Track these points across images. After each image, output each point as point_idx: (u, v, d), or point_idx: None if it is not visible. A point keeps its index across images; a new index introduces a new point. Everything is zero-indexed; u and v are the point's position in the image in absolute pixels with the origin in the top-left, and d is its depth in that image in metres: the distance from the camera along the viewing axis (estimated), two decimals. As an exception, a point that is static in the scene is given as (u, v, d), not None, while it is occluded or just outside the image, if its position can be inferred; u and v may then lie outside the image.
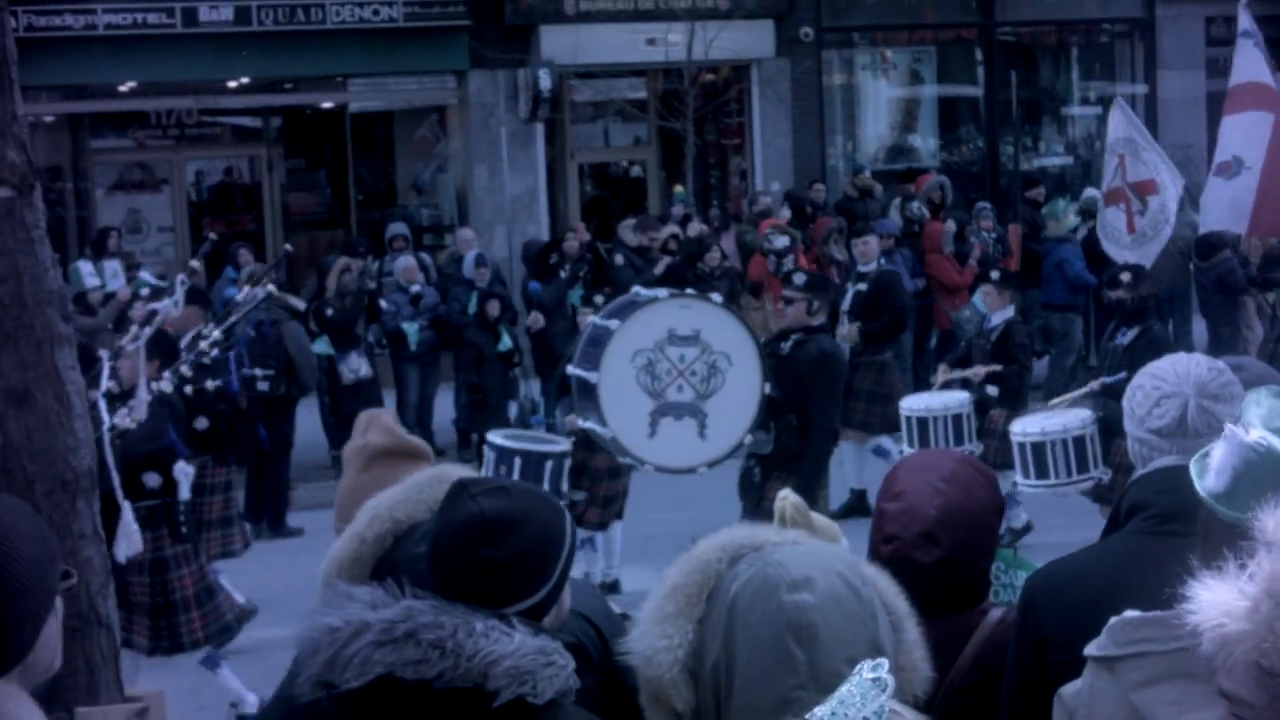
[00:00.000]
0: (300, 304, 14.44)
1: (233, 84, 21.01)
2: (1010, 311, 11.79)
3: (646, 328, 9.06)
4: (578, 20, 20.35)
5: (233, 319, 10.40)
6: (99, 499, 5.62)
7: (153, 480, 8.86)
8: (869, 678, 2.01)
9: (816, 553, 2.62)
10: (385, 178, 23.38)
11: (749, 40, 20.86)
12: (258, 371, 12.89)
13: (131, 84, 20.27)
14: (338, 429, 15.62)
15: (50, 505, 5.27)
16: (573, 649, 2.78)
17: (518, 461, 10.03)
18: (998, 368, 11.39)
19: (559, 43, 20.18)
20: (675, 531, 9.71)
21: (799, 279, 9.91)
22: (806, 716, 2.00)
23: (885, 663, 2.06)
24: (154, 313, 9.27)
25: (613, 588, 11.15)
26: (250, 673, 9.29)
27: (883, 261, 13.82)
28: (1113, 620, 2.64)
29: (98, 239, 17.75)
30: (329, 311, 15.41)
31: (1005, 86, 23.28)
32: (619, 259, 17.10)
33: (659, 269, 16.47)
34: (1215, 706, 2.41)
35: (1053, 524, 11.10)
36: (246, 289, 13.06)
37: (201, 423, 9.85)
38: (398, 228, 18.59)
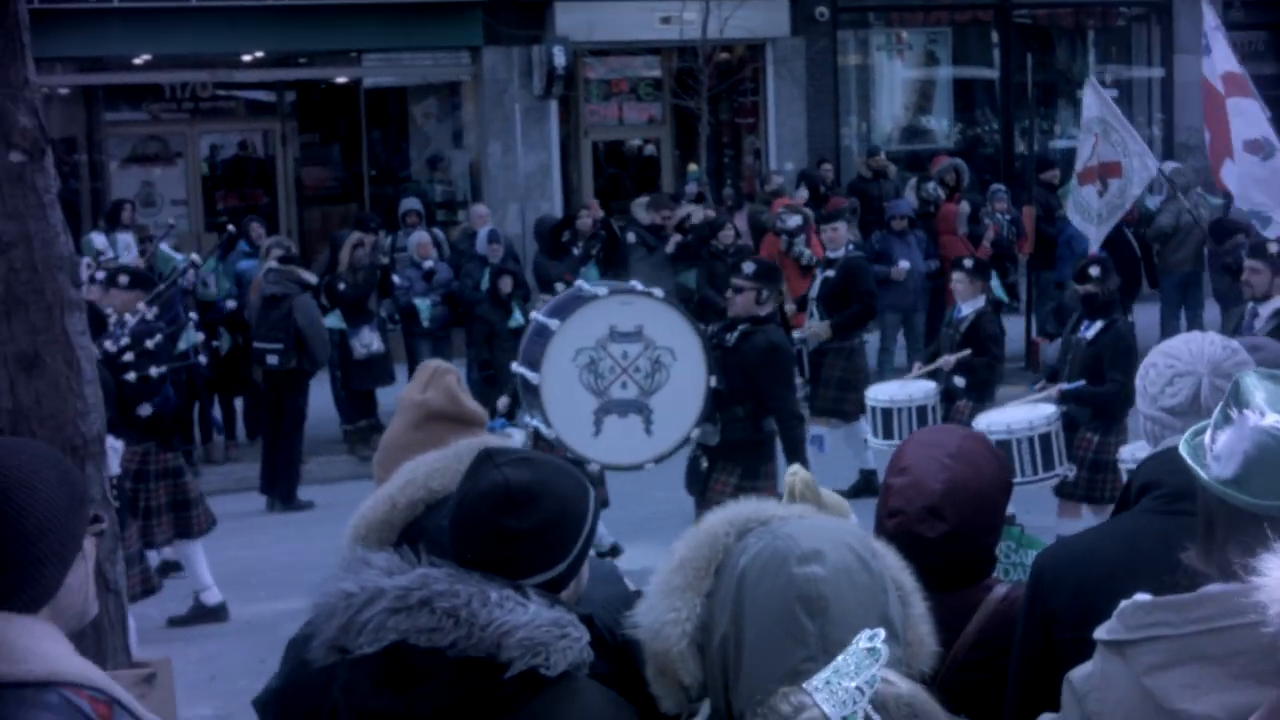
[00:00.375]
0: (312, 278, 14.44)
1: (247, 58, 21.01)
2: (981, 301, 11.59)
3: (588, 325, 9.00)
4: (593, -3, 20.34)
5: (162, 298, 10.52)
6: (106, 465, 5.64)
7: None
8: (864, 647, 2.01)
9: (825, 526, 2.62)
10: (399, 153, 23.37)
11: (764, 19, 20.80)
12: (201, 358, 13.02)
13: (146, 57, 20.26)
14: (349, 404, 15.66)
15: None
16: (587, 621, 2.78)
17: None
18: (968, 352, 11.23)
19: (574, 20, 20.15)
20: (683, 510, 9.75)
21: (747, 268, 9.68)
22: (805, 685, 2.01)
23: (881, 632, 2.07)
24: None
25: (614, 551, 11.27)
26: (259, 644, 9.32)
27: (850, 248, 13.60)
28: (1123, 604, 2.63)
29: (111, 211, 17.74)
30: (341, 286, 15.42)
31: (1021, 69, 23.20)
32: (631, 237, 17.09)
33: (670, 247, 16.46)
34: (1232, 690, 2.41)
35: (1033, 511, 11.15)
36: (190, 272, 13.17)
37: (145, 409, 9.85)
38: (410, 203, 18.60)
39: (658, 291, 9.48)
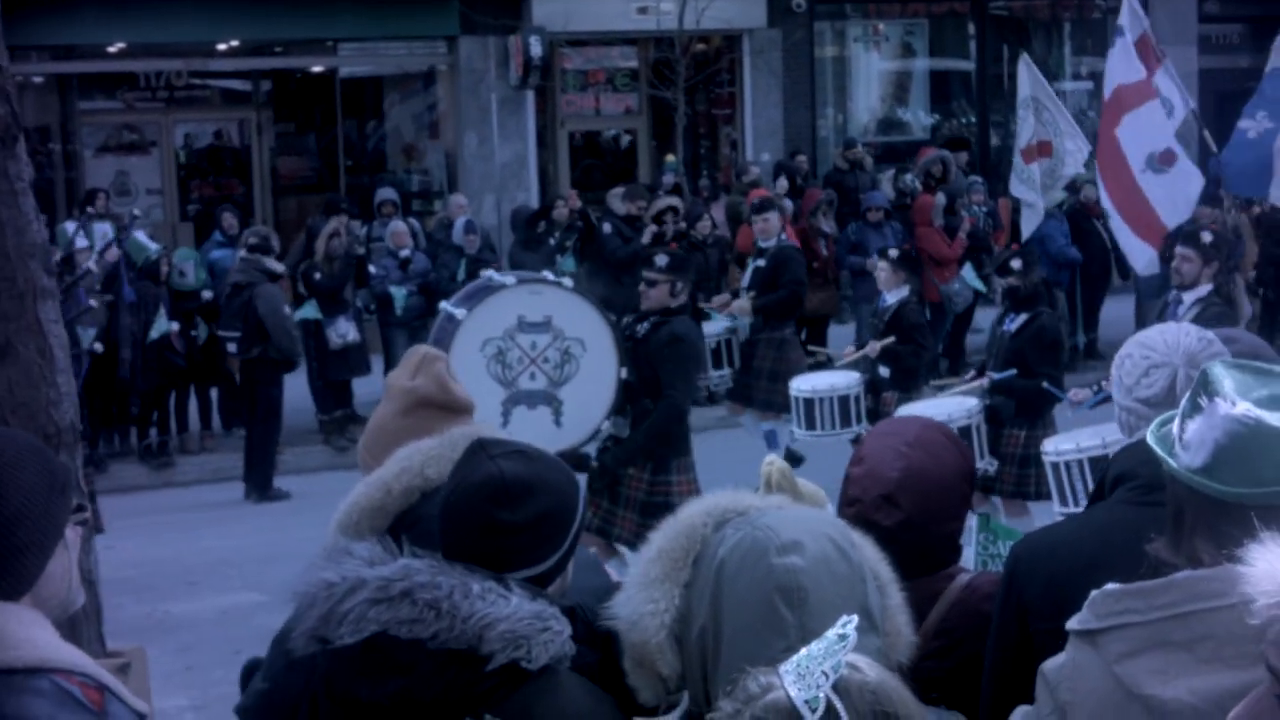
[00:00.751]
0: (278, 267, 14.38)
1: (222, 47, 20.92)
2: (904, 291, 11.40)
3: (495, 315, 8.89)
4: (570, -13, 20.31)
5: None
6: (81, 454, 5.62)
7: None
8: (836, 633, 2.02)
9: (804, 516, 2.62)
10: (375, 143, 23.31)
11: (740, 10, 20.81)
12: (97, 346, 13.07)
13: (121, 45, 20.17)
14: (325, 394, 15.63)
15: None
16: (569, 613, 2.77)
17: None
18: (892, 340, 11.07)
19: (550, 10, 20.12)
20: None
21: (660, 260, 9.47)
22: (777, 667, 2.03)
23: (855, 619, 2.08)
24: None
25: None
26: (234, 634, 9.31)
27: (783, 238, 13.34)
28: (1093, 593, 2.64)
29: (85, 200, 17.69)
30: (317, 276, 15.39)
31: (997, 61, 23.27)
32: (607, 227, 17.09)
33: (646, 238, 16.45)
34: (1200, 674, 2.43)
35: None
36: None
37: None
38: (386, 193, 18.54)
39: (567, 281, 9.39)
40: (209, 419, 15.76)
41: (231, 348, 14.12)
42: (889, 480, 3.53)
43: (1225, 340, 3.35)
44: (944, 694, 3.30)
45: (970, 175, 19.54)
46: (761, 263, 12.94)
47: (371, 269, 16.42)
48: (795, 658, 2.03)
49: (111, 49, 20.29)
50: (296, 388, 15.28)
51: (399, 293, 16.23)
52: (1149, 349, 3.25)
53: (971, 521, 7.35)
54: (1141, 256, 12.20)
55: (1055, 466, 9.65)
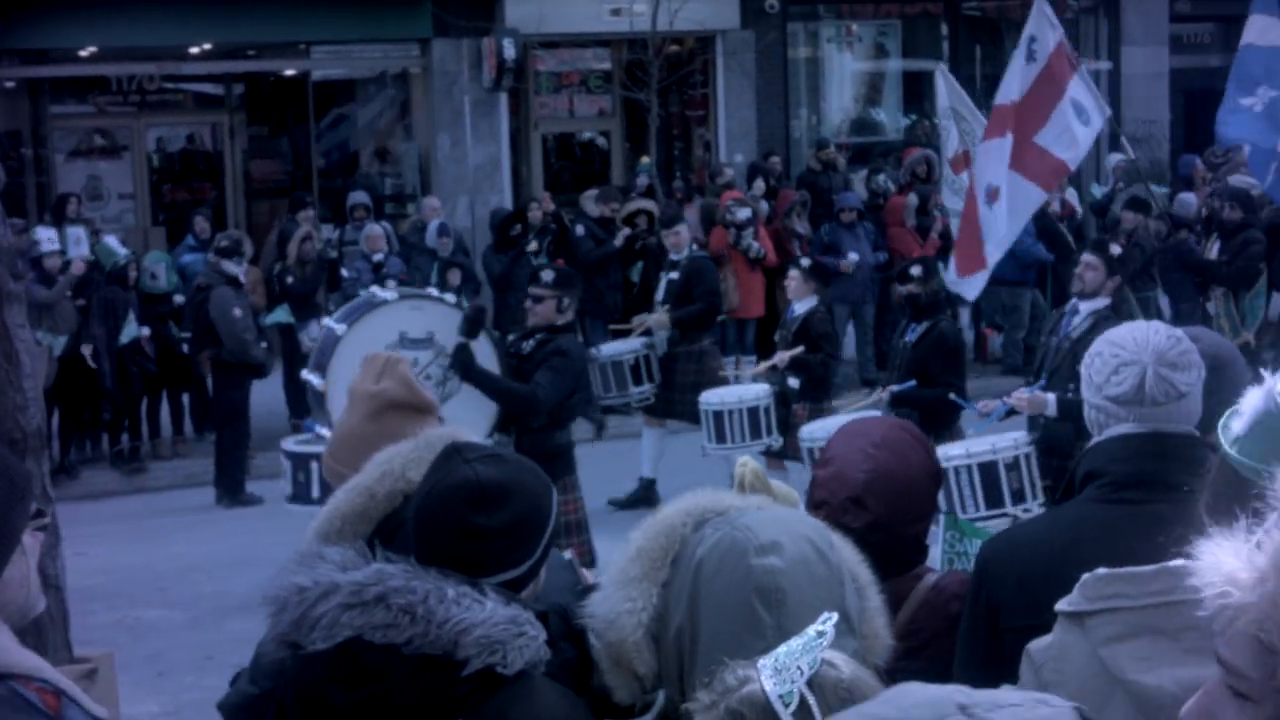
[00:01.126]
0: (236, 270, 14.36)
1: (194, 50, 20.84)
2: (813, 301, 11.32)
3: (376, 331, 8.78)
4: (542, -11, 20.29)
5: None
6: (47, 459, 5.59)
7: None
8: (814, 630, 2.03)
9: (783, 517, 2.62)
10: (347, 146, 23.26)
11: (713, 11, 20.81)
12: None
13: (92, 49, 20.07)
14: (299, 398, 15.58)
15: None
16: (542, 618, 2.76)
17: (315, 465, 9.80)
18: (800, 349, 10.99)
19: (523, 12, 20.09)
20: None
21: (547, 276, 9.28)
22: (756, 661, 2.03)
23: (835, 616, 2.08)
24: None
25: None
26: (206, 640, 9.28)
27: (694, 249, 13.24)
28: (1085, 576, 2.65)
29: (57, 205, 17.64)
30: (289, 279, 15.36)
31: (970, 61, 23.28)
32: (580, 230, 17.08)
33: (619, 240, 16.46)
34: (1183, 664, 2.43)
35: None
36: None
37: None
38: (359, 196, 18.52)
39: (449, 297, 9.31)
40: (181, 424, 15.71)
41: (185, 347, 14.29)
42: (856, 482, 3.53)
43: (1190, 339, 3.35)
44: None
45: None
46: (674, 275, 12.80)
47: (344, 272, 16.39)
48: (774, 652, 2.03)
49: (83, 53, 20.20)
50: (271, 392, 15.24)
51: (372, 296, 16.19)
52: (1118, 347, 3.25)
53: (937, 520, 7.34)
54: (962, 281, 11.86)
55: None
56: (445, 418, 8.71)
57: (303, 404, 15.56)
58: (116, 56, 20.42)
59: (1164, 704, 2.46)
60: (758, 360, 15.38)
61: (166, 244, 19.22)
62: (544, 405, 8.77)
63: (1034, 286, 17.76)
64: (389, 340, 8.72)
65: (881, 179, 19.01)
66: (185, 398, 15.63)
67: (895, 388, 9.86)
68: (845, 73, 23.74)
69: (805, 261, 11.75)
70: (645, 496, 12.49)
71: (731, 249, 16.70)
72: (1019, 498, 8.49)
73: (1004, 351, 17.78)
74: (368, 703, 2.62)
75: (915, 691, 1.84)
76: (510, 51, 19.84)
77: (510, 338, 9.57)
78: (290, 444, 10.46)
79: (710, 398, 11.37)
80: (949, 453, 9.73)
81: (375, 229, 16.95)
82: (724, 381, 12.24)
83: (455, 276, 15.59)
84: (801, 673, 1.97)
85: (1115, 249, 9.29)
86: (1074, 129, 11.11)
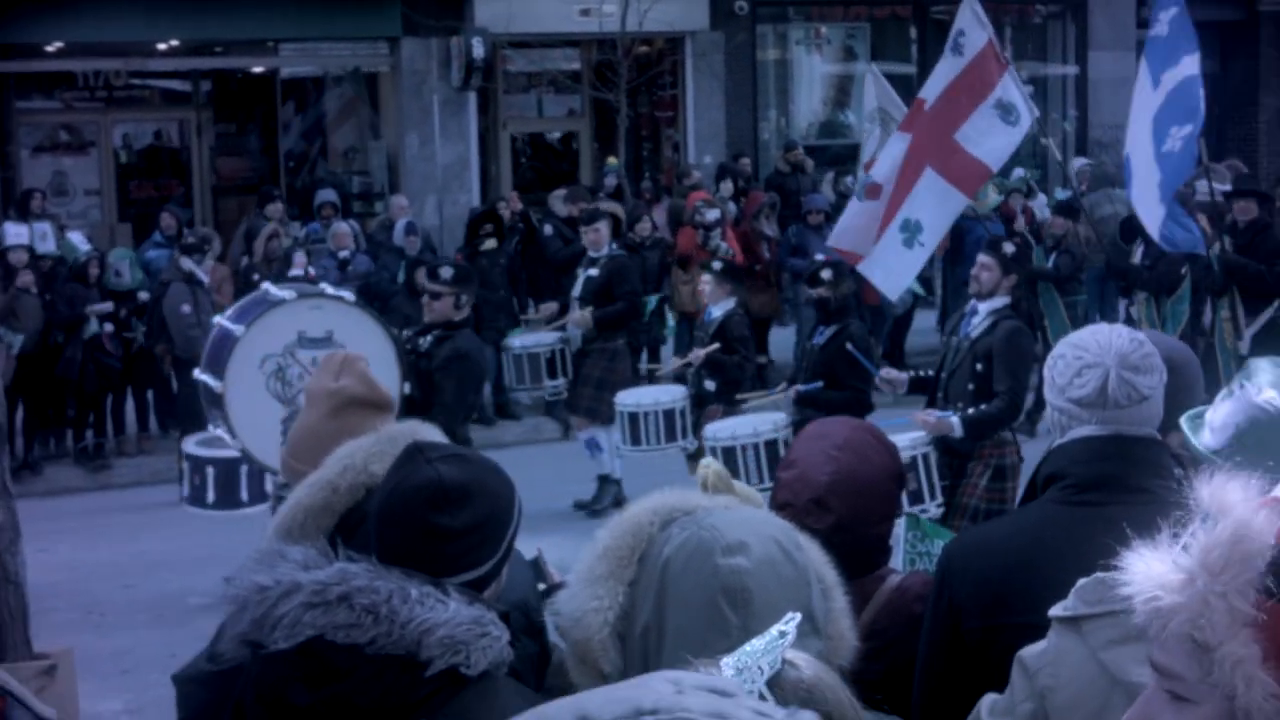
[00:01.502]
0: (195, 268, 14.34)
1: (162, 46, 20.74)
2: (731, 304, 11.22)
3: (274, 331, 8.70)
4: (512, -11, 20.27)
5: None
6: (8, 455, 5.56)
7: None
8: (777, 630, 2.03)
9: (750, 518, 2.63)
10: (315, 144, 23.20)
11: (683, 12, 20.83)
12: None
13: (59, 45, 19.96)
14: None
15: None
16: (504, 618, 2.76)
17: (210, 470, 9.76)
18: (716, 346, 10.92)
19: (493, 11, 20.07)
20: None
21: (445, 272, 9.24)
22: (720, 660, 2.03)
23: (797, 617, 2.08)
24: None
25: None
26: (171, 637, 9.24)
27: (613, 247, 13.02)
28: (1081, 581, 2.66)
29: (21, 200, 17.54)
30: (256, 277, 15.29)
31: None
32: (548, 229, 17.07)
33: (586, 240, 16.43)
34: None
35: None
36: None
37: None
38: (326, 194, 18.47)
39: (348, 295, 9.19)
40: (146, 421, 15.64)
41: (141, 338, 14.51)
42: (819, 484, 3.54)
43: None
44: (872, 697, 3.31)
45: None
46: (593, 272, 12.66)
47: (311, 269, 16.33)
48: (738, 651, 2.04)
49: (49, 48, 20.08)
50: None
51: (339, 294, 16.16)
52: (1081, 349, 3.27)
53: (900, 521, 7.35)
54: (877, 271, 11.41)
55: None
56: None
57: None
58: (83, 52, 20.31)
59: None
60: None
61: (133, 240, 19.14)
62: (453, 418, 8.72)
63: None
64: (287, 340, 8.62)
65: (850, 181, 19.03)
66: (149, 394, 15.55)
67: (801, 387, 9.90)
68: (814, 75, 23.78)
69: (717, 264, 11.60)
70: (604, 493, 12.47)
71: (700, 249, 16.70)
72: (916, 499, 8.43)
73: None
74: (330, 703, 2.60)
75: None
76: (479, 51, 19.81)
77: (407, 334, 9.47)
78: (191, 446, 10.27)
79: (626, 399, 11.27)
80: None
81: (342, 227, 16.91)
82: (634, 382, 12.11)
83: (423, 275, 15.54)
84: (762, 672, 1.97)
85: (1009, 248, 9.18)
86: (997, 128, 10.99)
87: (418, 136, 20.38)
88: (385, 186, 21.51)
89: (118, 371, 14.99)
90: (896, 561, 5.02)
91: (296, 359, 8.66)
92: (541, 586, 3.55)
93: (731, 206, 18.09)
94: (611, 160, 19.95)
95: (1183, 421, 2.70)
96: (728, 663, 2.01)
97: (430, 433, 3.27)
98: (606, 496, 12.37)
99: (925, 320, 17.74)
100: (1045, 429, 12.05)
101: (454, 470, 2.78)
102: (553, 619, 2.67)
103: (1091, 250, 15.88)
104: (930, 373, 9.16)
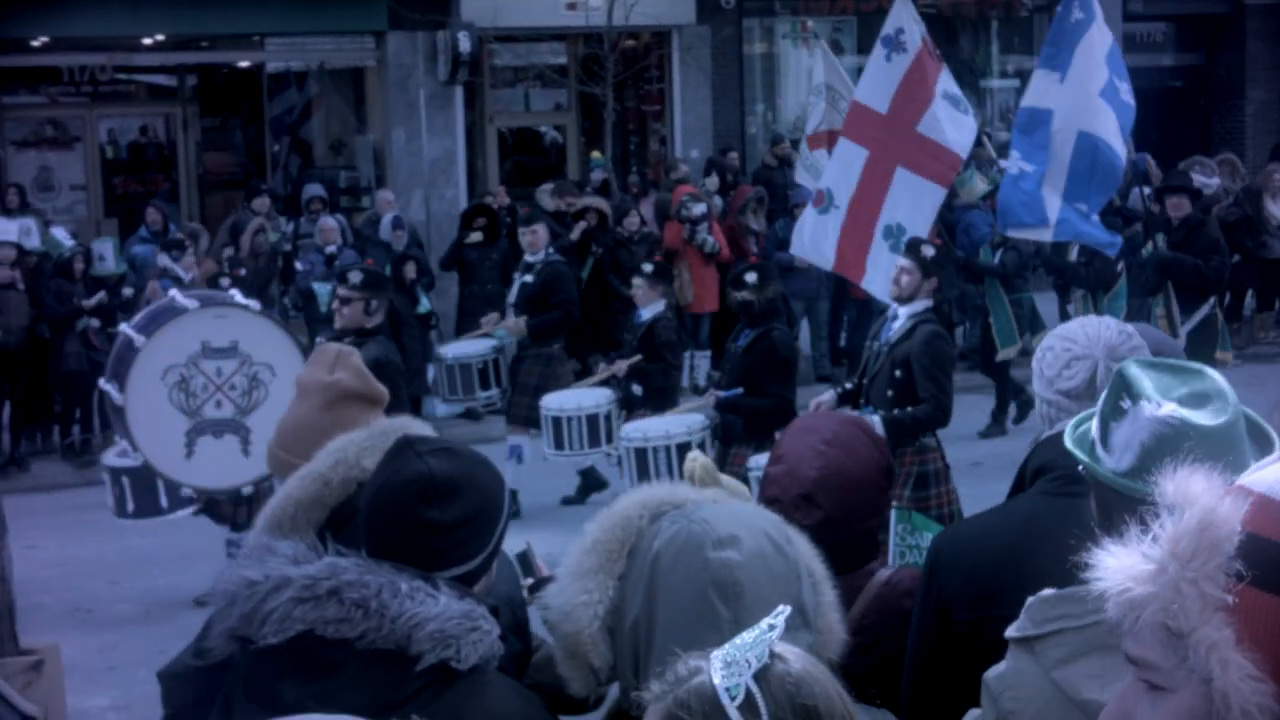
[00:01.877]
0: (180, 270, 14.32)
1: (148, 41, 20.71)
2: (660, 306, 11.06)
3: (177, 341, 8.54)
4: (498, -17, 20.24)
5: None
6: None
7: None
8: (766, 623, 2.03)
9: (741, 511, 2.63)
10: (302, 138, 23.16)
11: (670, 6, 20.81)
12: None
13: (44, 39, 19.92)
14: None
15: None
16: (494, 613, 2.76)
17: (126, 480, 9.68)
18: (638, 358, 10.83)
19: (479, 5, 20.04)
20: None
21: (354, 277, 8.97)
22: (710, 653, 2.03)
23: (787, 609, 2.08)
24: None
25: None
26: (157, 633, 9.23)
27: (550, 251, 12.71)
28: (1029, 600, 2.65)
29: (7, 197, 17.51)
30: (243, 272, 15.28)
31: (924, 58, 23.31)
32: (537, 224, 17.05)
33: (575, 234, 16.44)
34: None
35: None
36: None
37: None
38: (314, 189, 18.46)
39: (254, 304, 9.06)
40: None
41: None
42: (808, 479, 3.53)
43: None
44: (864, 691, 3.31)
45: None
46: (529, 278, 12.40)
47: (297, 265, 16.33)
48: (728, 645, 2.04)
49: (35, 43, 20.03)
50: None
51: (323, 289, 16.11)
52: (1070, 341, 3.28)
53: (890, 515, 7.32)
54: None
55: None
56: (253, 429, 8.44)
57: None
58: (69, 47, 20.26)
59: None
60: (712, 358, 15.41)
61: (118, 235, 19.10)
62: None
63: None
64: (191, 350, 8.46)
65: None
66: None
67: (721, 393, 9.73)
68: (801, 69, 23.75)
69: (648, 267, 11.43)
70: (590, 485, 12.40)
71: (686, 244, 16.72)
72: None
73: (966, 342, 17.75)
74: (320, 698, 2.58)
75: None
76: (466, 45, 19.79)
77: (318, 342, 9.29)
78: (110, 457, 10.12)
79: (550, 403, 11.12)
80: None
81: (330, 222, 16.90)
82: (569, 382, 12.01)
83: (410, 270, 15.55)
84: (749, 665, 1.97)
85: (928, 250, 8.97)
86: (955, 118, 10.94)
87: (404, 131, 20.36)
88: (372, 181, 21.48)
89: (102, 366, 14.97)
90: (886, 555, 5.02)
91: (201, 369, 8.47)
92: (530, 580, 3.55)
93: (718, 200, 18.09)
94: (596, 155, 19.94)
95: (1068, 441, 2.68)
96: (717, 656, 2.01)
97: (421, 427, 3.26)
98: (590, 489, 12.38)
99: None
100: (1016, 425, 11.78)
101: (444, 464, 2.77)
102: (542, 613, 2.67)
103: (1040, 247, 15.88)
104: (851, 385, 9.07)
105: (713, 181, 18.57)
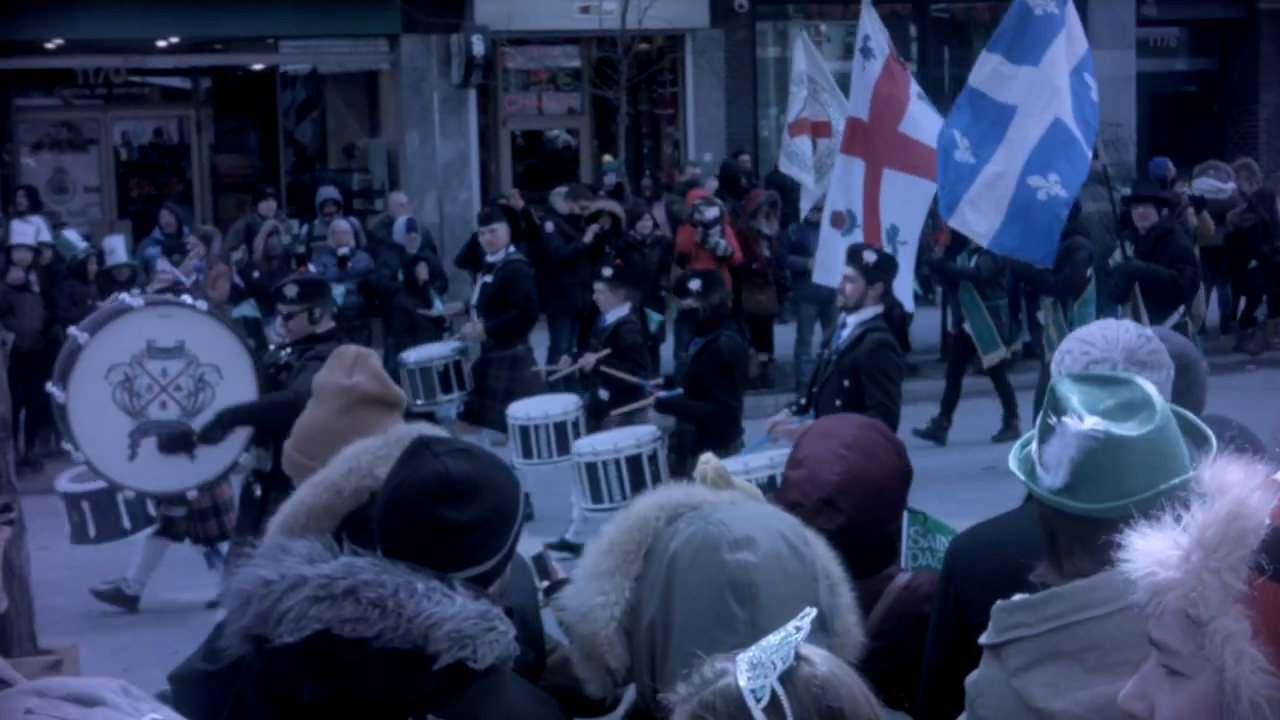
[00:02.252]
0: (185, 279, 14.36)
1: (162, 43, 20.76)
2: (624, 310, 10.96)
3: (121, 340, 8.33)
4: (512, -14, 20.28)
5: None
6: (12, 450, 5.55)
7: None
8: (792, 625, 2.03)
9: (757, 513, 2.62)
10: (316, 141, 23.20)
11: (683, 10, 20.83)
12: None
13: (58, 41, 19.97)
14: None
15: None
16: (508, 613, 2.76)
17: (86, 505, 9.56)
18: (607, 352, 10.69)
19: (493, 8, 20.07)
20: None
21: (289, 291, 8.76)
22: (736, 655, 2.03)
23: (813, 612, 2.08)
24: None
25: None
26: (170, 634, 9.23)
27: (510, 251, 12.49)
28: (994, 607, 2.65)
29: (17, 198, 17.56)
30: (256, 274, 15.31)
31: (938, 63, 23.36)
32: (550, 227, 17.07)
33: (588, 237, 16.45)
34: (1088, 684, 2.45)
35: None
36: None
37: None
38: (328, 192, 18.50)
39: (201, 304, 8.91)
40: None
41: None
42: (829, 484, 3.52)
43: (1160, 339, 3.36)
44: (886, 695, 3.30)
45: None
46: (489, 279, 12.23)
47: (311, 267, 16.36)
48: (754, 647, 2.03)
49: (49, 45, 20.08)
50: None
51: (337, 290, 16.15)
52: (1088, 345, 3.27)
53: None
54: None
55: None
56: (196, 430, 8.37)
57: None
58: (83, 49, 20.32)
59: None
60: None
61: (132, 237, 19.15)
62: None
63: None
64: (135, 350, 8.31)
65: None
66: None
67: (662, 394, 9.76)
68: (813, 72, 23.77)
69: (608, 271, 11.29)
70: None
71: (699, 247, 16.71)
72: None
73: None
74: (336, 697, 2.59)
75: None
76: (479, 48, 19.82)
77: (269, 351, 9.18)
78: (63, 483, 9.97)
79: (517, 411, 10.96)
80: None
81: (342, 224, 16.93)
82: (539, 385, 11.93)
83: (422, 272, 15.56)
84: (775, 667, 1.97)
85: (870, 256, 8.79)
86: (933, 117, 10.94)
87: (418, 134, 20.39)
88: (385, 184, 21.52)
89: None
90: (899, 557, 5.00)
91: (145, 369, 8.31)
92: (545, 583, 3.54)
93: (719, 203, 18.08)
94: (608, 158, 19.95)
95: (1011, 463, 2.67)
96: (743, 658, 2.01)
97: (437, 432, 3.25)
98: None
99: (928, 318, 17.71)
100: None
101: (461, 465, 2.76)
102: (558, 614, 2.66)
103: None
104: (804, 399, 9.03)
105: (711, 184, 18.58)
